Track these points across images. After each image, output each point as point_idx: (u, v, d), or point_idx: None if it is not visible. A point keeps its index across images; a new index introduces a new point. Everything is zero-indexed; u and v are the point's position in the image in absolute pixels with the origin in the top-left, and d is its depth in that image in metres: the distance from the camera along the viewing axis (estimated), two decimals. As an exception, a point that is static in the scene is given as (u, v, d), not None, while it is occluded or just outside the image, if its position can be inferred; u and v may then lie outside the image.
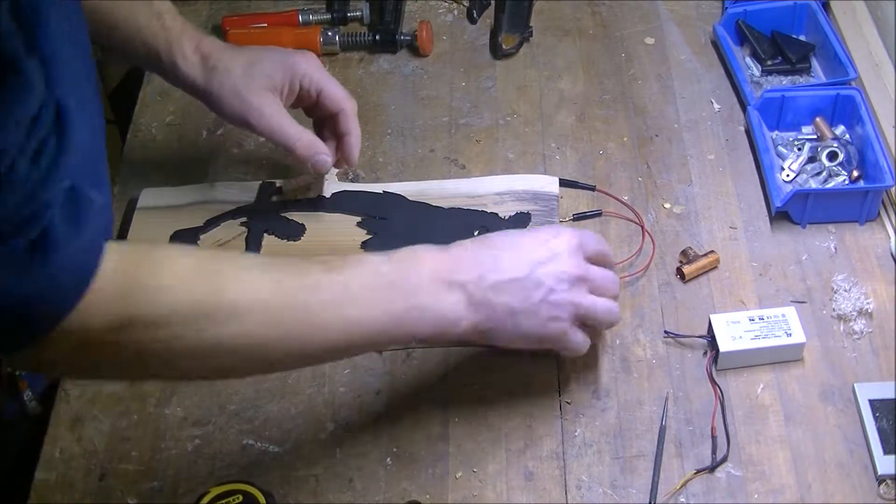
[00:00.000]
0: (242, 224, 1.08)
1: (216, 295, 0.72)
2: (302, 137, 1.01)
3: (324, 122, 1.06)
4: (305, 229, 1.07)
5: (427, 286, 0.82)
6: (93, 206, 0.66)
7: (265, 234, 1.06)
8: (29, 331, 0.65)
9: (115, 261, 0.67)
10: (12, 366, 0.85)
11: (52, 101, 0.64)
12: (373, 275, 0.80)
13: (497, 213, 1.07)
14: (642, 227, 1.06)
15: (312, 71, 1.02)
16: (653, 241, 1.05)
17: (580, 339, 0.89)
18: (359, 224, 1.07)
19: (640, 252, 1.04)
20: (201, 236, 1.07)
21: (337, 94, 1.03)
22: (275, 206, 1.09)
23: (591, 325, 0.89)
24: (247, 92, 1.00)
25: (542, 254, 0.86)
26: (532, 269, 0.85)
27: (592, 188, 1.10)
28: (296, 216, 1.08)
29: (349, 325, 0.78)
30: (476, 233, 1.03)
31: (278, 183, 1.12)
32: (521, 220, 1.06)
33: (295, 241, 1.06)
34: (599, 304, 0.88)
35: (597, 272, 0.89)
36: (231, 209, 1.09)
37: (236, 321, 0.72)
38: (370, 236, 1.06)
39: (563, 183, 1.11)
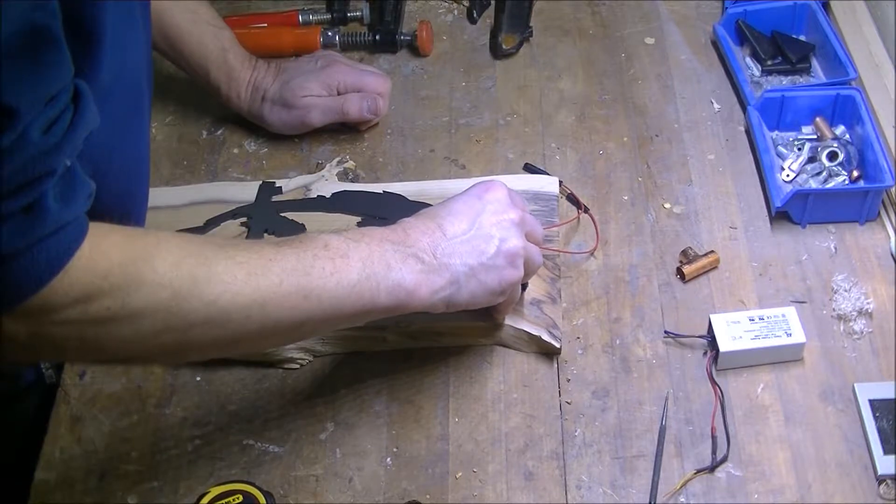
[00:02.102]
0: (242, 224, 1.08)
1: (177, 270, 0.72)
2: (352, 104, 1.15)
3: None
4: (305, 229, 1.07)
5: (380, 256, 0.83)
6: (85, 188, 0.69)
7: (265, 234, 1.06)
8: (1, 298, 0.65)
9: (107, 241, 0.69)
10: None
11: (72, 84, 0.67)
12: (323, 247, 0.80)
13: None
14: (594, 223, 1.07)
15: (345, 77, 1.16)
16: (597, 232, 1.06)
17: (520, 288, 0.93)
18: (359, 224, 1.07)
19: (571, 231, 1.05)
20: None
21: (373, 86, 1.17)
22: (275, 206, 1.09)
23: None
24: (291, 101, 1.15)
25: (480, 208, 0.89)
26: (477, 225, 0.88)
27: (584, 209, 1.09)
28: (296, 216, 1.08)
29: (306, 295, 0.78)
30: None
31: (278, 183, 1.12)
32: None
33: (295, 241, 1.06)
34: (533, 248, 0.91)
35: (529, 216, 0.92)
36: (231, 209, 1.09)
37: (202, 293, 0.73)
38: (370, 236, 1.06)
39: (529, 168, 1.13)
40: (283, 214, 1.08)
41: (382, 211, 1.08)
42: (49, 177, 0.65)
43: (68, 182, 0.67)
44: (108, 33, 0.73)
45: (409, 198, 1.09)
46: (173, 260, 0.72)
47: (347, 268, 0.81)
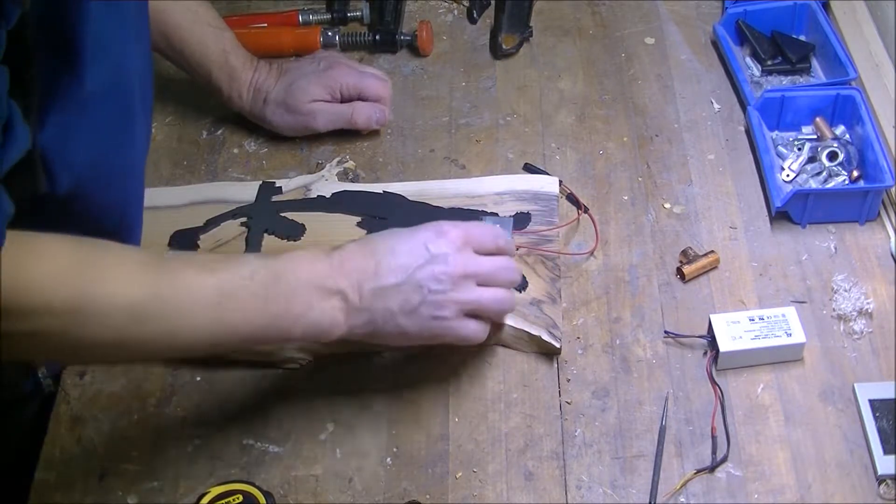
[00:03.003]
0: (242, 224, 1.08)
1: (89, 291, 0.72)
2: (361, 114, 1.16)
3: None
4: (305, 229, 1.07)
5: (302, 293, 0.82)
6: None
7: (265, 234, 1.06)
8: None
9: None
10: None
11: (5, 114, 0.67)
12: (247, 279, 0.80)
13: (497, 213, 1.07)
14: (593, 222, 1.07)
15: (347, 79, 1.16)
16: (596, 232, 1.06)
17: (473, 329, 0.89)
18: (359, 224, 1.07)
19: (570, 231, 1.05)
20: (201, 236, 1.07)
21: (374, 90, 1.17)
22: (275, 206, 1.09)
23: (485, 316, 0.90)
24: (296, 106, 1.15)
25: (420, 257, 0.86)
26: (410, 273, 0.85)
27: (583, 208, 1.09)
28: (296, 216, 1.08)
29: (216, 328, 0.79)
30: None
31: (278, 183, 1.12)
32: (521, 220, 1.06)
33: (295, 241, 1.06)
34: (486, 296, 0.88)
35: (485, 264, 0.88)
36: (231, 209, 1.09)
37: (105, 318, 0.73)
38: (370, 236, 1.06)
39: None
40: (283, 214, 1.08)
41: (382, 211, 1.08)
42: None
43: None
44: (89, 42, 0.72)
45: (409, 198, 1.09)
46: (67, 293, 0.71)
47: (265, 306, 0.80)
